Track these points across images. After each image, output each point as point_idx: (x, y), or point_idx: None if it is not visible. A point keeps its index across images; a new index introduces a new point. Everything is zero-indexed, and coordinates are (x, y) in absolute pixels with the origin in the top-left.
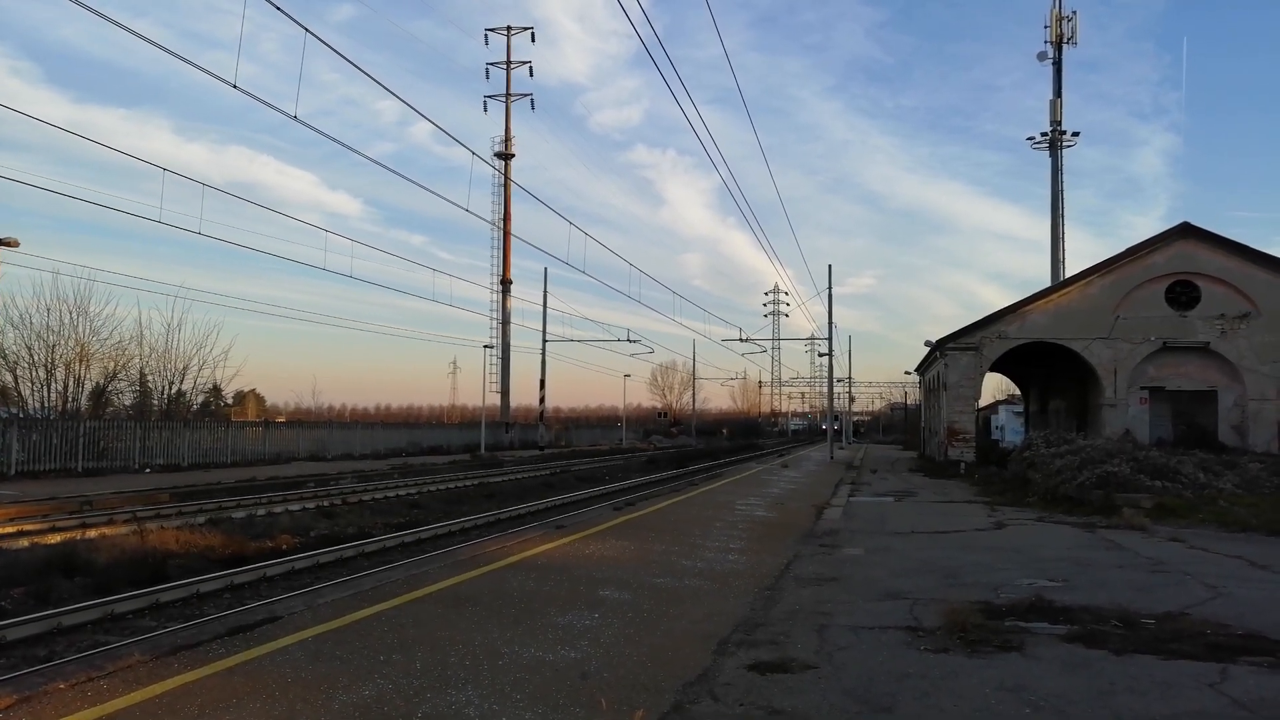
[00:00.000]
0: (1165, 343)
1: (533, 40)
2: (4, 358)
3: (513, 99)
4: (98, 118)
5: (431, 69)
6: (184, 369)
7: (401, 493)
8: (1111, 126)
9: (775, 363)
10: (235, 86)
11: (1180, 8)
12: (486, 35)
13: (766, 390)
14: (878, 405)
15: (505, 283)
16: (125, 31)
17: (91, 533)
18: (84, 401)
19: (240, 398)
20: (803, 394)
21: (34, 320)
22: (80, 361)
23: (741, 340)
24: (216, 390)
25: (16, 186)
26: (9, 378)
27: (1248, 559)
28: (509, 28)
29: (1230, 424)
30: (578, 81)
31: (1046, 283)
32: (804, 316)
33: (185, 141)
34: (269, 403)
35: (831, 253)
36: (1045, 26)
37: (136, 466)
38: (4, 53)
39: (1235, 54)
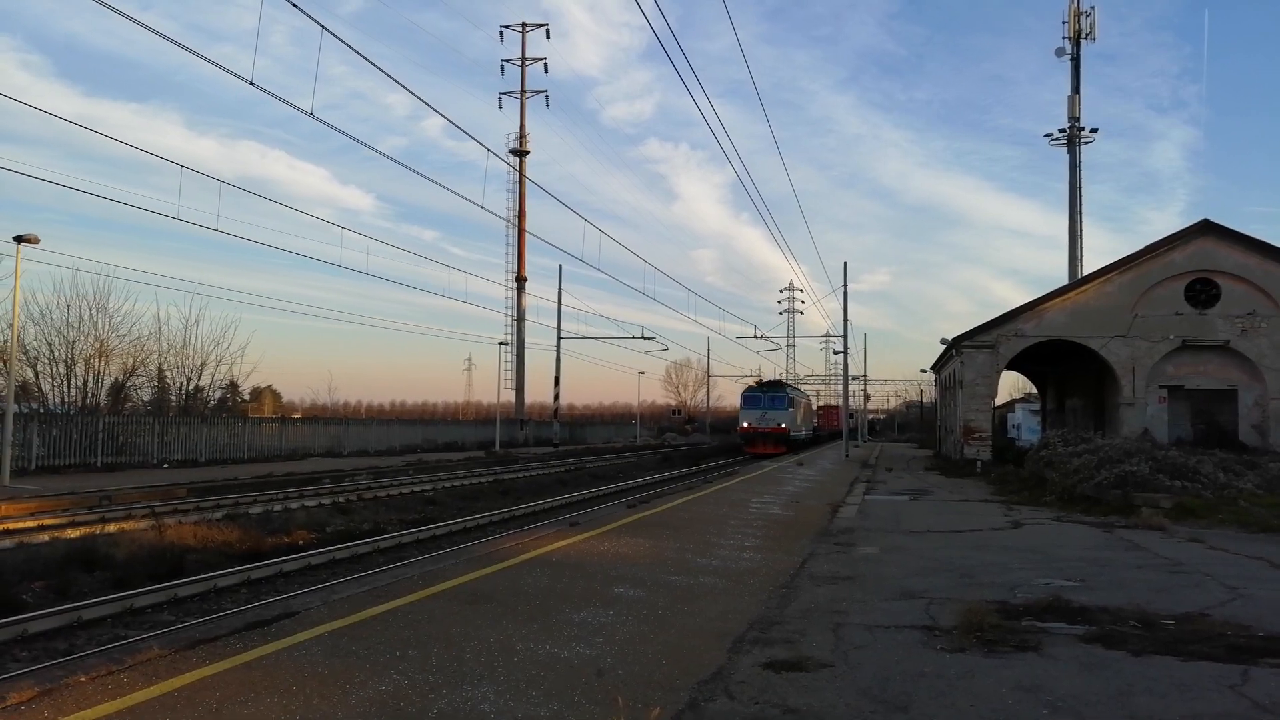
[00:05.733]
0: (1184, 341)
1: (548, 37)
2: (25, 354)
3: (527, 96)
4: (109, 112)
5: (440, 62)
6: (201, 365)
7: (417, 489)
8: (1129, 120)
9: (790, 360)
10: (252, 84)
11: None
12: (502, 32)
13: None
14: (893, 403)
15: (520, 280)
16: (134, 24)
17: (110, 527)
18: (103, 397)
19: (257, 394)
20: (818, 391)
21: (54, 316)
22: (99, 357)
23: (756, 338)
24: (233, 386)
25: (32, 182)
26: (30, 373)
27: (1269, 560)
28: (524, 24)
29: (1251, 423)
30: (589, 74)
31: (1062, 279)
32: (819, 313)
33: (196, 136)
34: (285, 399)
35: (845, 248)
36: (1063, 22)
37: (155, 462)
38: (14, 46)
39: (1256, 46)
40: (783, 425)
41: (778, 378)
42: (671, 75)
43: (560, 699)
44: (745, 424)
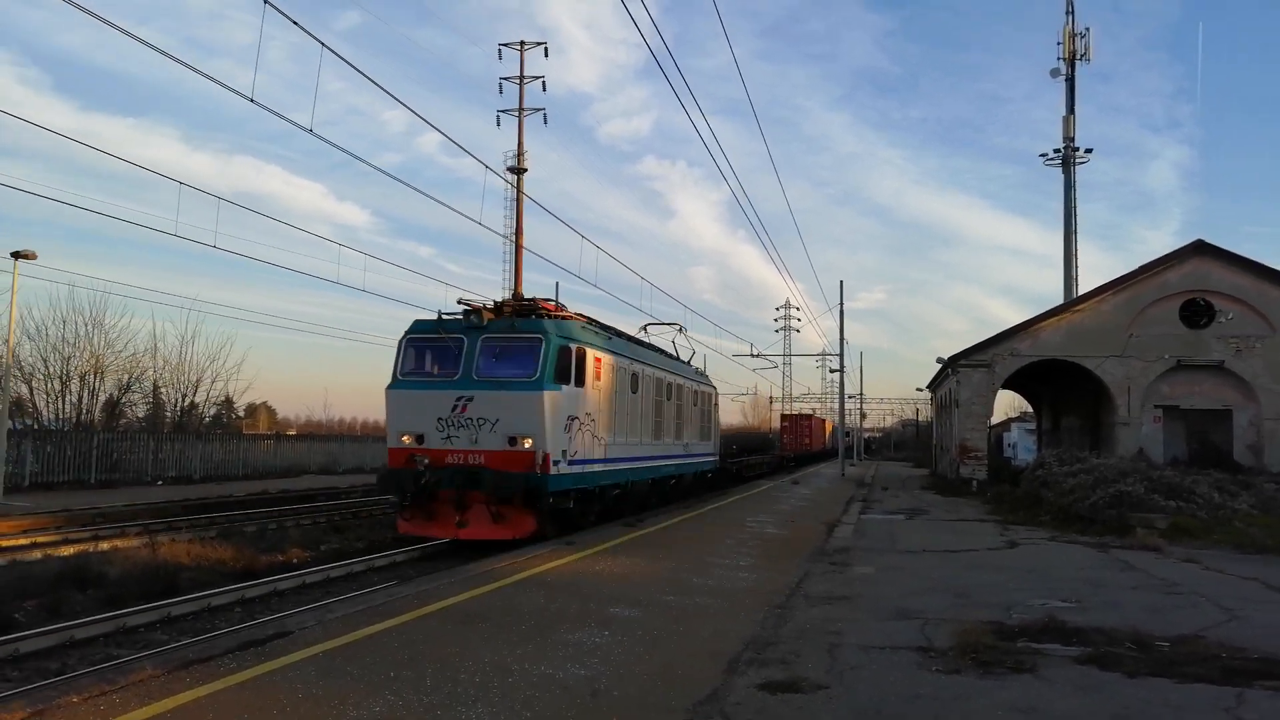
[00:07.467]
0: (1179, 361)
1: (545, 55)
2: (20, 370)
3: (525, 113)
4: (105, 127)
5: (436, 77)
6: (197, 381)
7: None
8: (1123, 139)
9: (786, 378)
10: (252, 100)
11: (1193, 16)
12: (500, 50)
13: (778, 406)
14: (889, 422)
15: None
16: (131, 39)
17: (104, 545)
18: (98, 413)
19: (252, 410)
20: (814, 409)
21: (50, 332)
22: (95, 373)
23: (753, 355)
24: (229, 403)
25: (28, 197)
26: (24, 389)
27: (1264, 581)
28: (522, 43)
29: (1245, 443)
30: (586, 91)
31: (1057, 298)
32: (815, 331)
33: (192, 150)
34: (280, 415)
35: (841, 266)
36: (1058, 43)
37: (149, 479)
38: (10, 60)
39: (1250, 64)
40: (525, 442)
41: (527, 298)
42: (668, 92)
43: None
44: (404, 438)
